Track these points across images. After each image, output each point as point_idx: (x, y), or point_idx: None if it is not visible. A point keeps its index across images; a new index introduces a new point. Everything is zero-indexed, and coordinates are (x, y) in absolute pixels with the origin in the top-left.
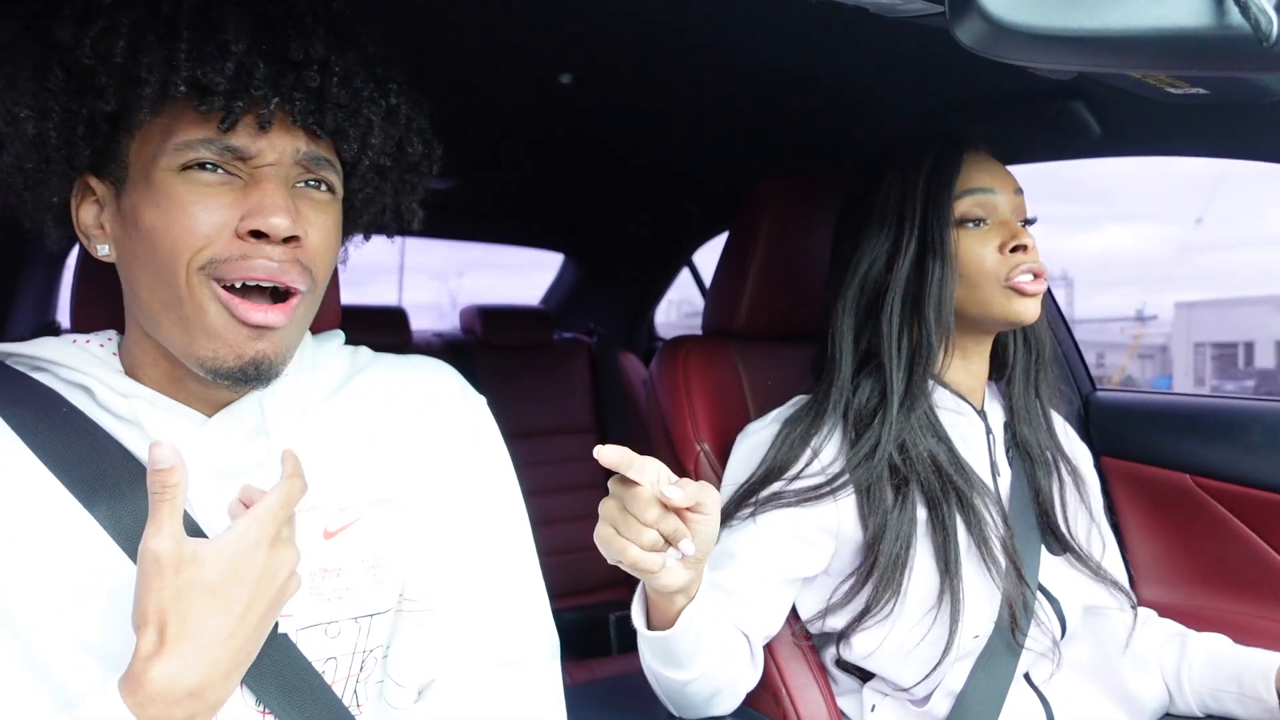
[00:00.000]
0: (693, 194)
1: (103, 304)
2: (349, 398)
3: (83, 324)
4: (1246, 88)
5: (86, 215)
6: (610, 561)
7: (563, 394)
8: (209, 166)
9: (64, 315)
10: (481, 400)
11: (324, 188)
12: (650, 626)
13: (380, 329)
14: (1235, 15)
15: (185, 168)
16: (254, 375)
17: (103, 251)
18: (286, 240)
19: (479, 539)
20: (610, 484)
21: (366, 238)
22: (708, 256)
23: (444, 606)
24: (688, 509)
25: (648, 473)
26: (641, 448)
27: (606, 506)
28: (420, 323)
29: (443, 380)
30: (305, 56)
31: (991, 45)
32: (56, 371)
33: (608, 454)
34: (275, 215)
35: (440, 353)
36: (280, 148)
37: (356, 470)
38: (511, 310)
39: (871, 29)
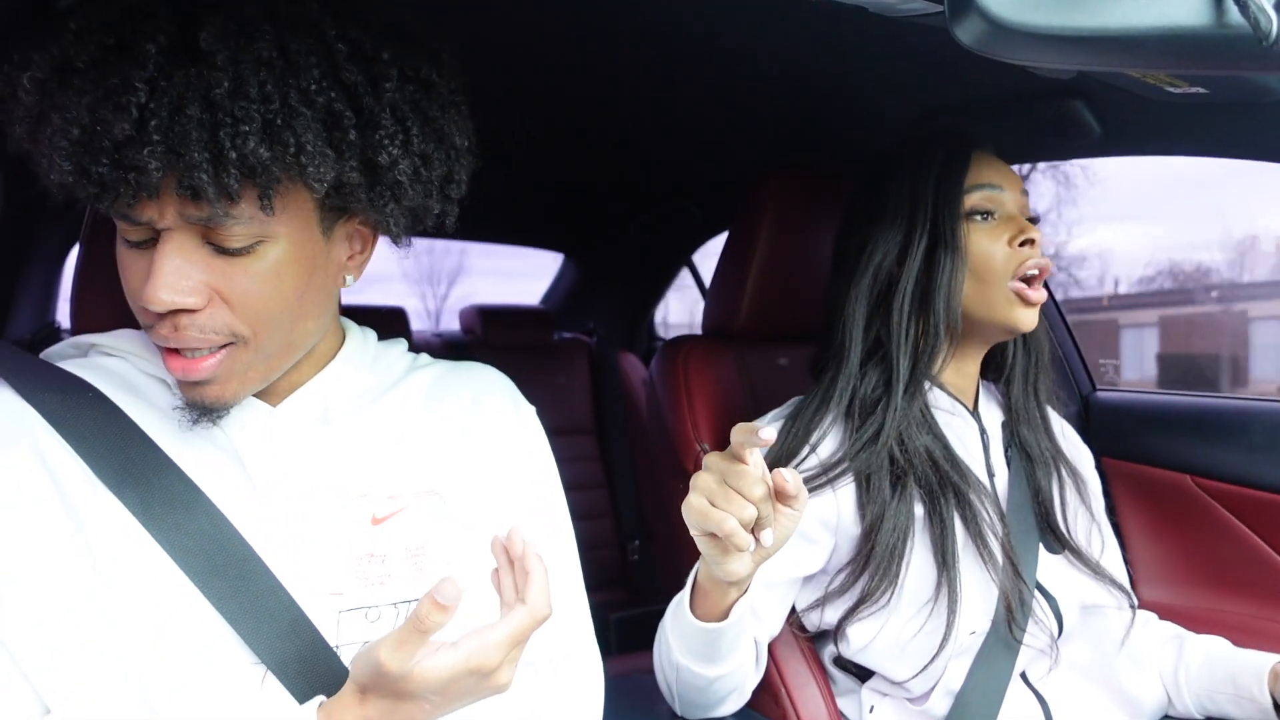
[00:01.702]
0: (693, 194)
1: (103, 304)
2: (405, 393)
3: (83, 324)
4: (1246, 87)
5: None
6: (696, 531)
7: (563, 394)
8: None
9: (64, 315)
10: (531, 410)
11: (237, 245)
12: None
13: (380, 329)
14: (1235, 14)
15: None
16: (203, 412)
17: None
18: (180, 312)
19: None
20: (711, 458)
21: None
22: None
23: (474, 592)
24: (781, 499)
25: (756, 455)
26: (641, 448)
27: (704, 479)
28: None
29: (495, 387)
30: (136, 120)
31: (991, 44)
32: (135, 363)
33: (766, 433)
34: (157, 290)
35: (440, 353)
36: (164, 211)
37: (406, 462)
38: (511, 310)
39: (871, 29)
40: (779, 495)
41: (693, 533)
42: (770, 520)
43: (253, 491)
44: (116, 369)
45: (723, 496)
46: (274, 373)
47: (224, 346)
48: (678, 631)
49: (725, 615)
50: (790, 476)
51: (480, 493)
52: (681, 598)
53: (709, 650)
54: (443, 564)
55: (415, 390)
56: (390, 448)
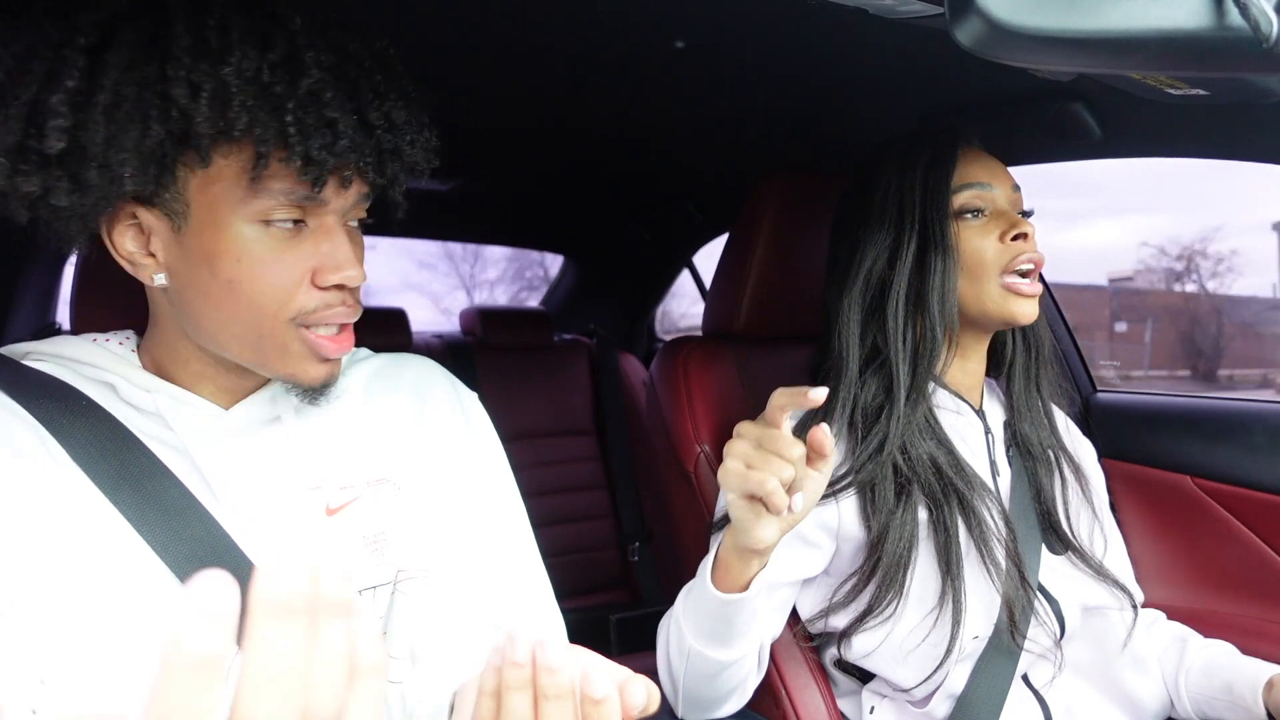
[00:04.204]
0: (693, 195)
1: (103, 305)
2: (347, 387)
3: (83, 325)
4: (1247, 89)
5: (129, 243)
6: (735, 494)
7: (563, 395)
8: (282, 218)
9: (64, 316)
10: (473, 396)
11: (361, 217)
12: None
13: (380, 330)
14: (1235, 16)
15: (263, 221)
16: (323, 390)
17: (159, 281)
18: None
19: (473, 516)
20: (744, 426)
21: None
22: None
23: (434, 573)
24: (811, 461)
25: (786, 422)
26: (641, 449)
27: (739, 445)
28: None
29: (432, 374)
30: (385, 122)
31: (991, 46)
32: (78, 369)
33: (816, 394)
34: (351, 268)
35: (441, 354)
36: (347, 196)
37: (356, 452)
38: (512, 312)
39: (871, 30)
40: (811, 454)
41: (729, 497)
42: (801, 485)
43: (210, 494)
44: (60, 377)
45: (760, 459)
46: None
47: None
48: (693, 612)
49: (745, 588)
50: (825, 432)
51: (432, 478)
52: (701, 576)
53: (724, 628)
54: (401, 550)
55: (356, 383)
56: (338, 440)
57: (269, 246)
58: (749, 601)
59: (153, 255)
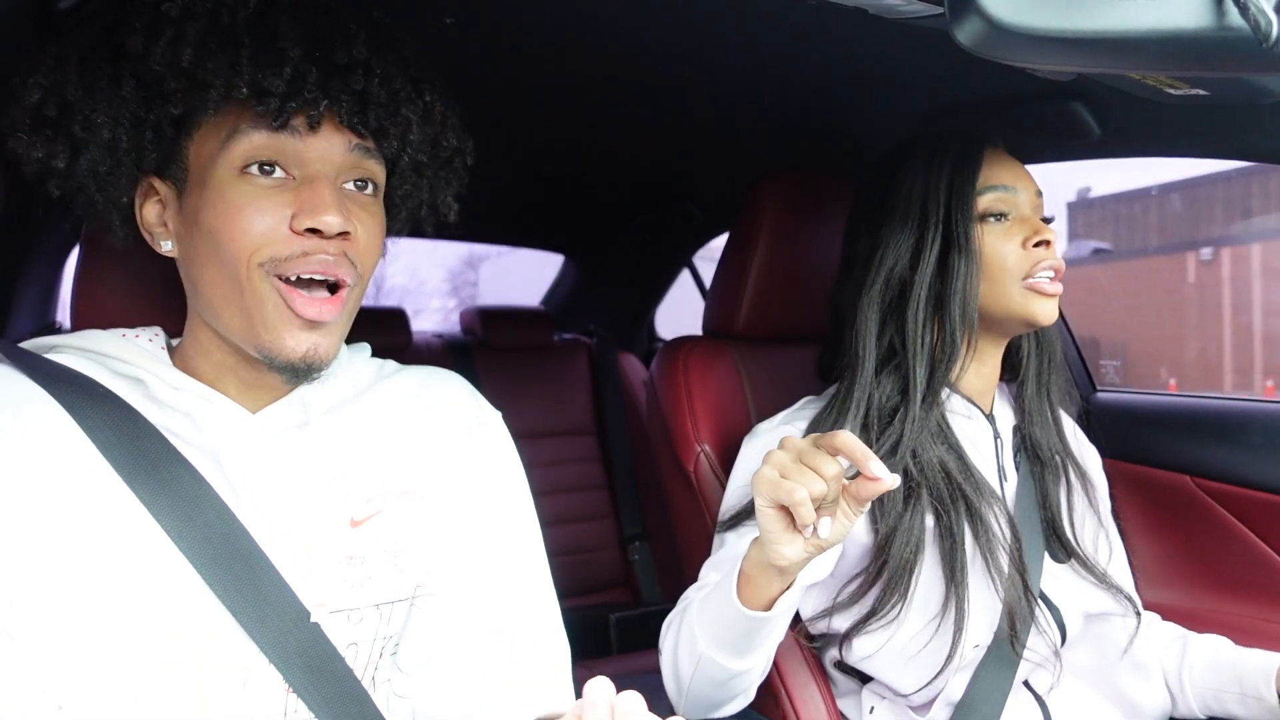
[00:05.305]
0: (693, 195)
1: (104, 303)
2: (376, 399)
3: (84, 324)
4: (1246, 88)
5: (150, 214)
6: (764, 501)
7: (563, 395)
8: (264, 168)
9: (64, 315)
10: (497, 414)
11: (369, 188)
12: None
13: (381, 330)
14: (1235, 16)
15: (243, 170)
16: (305, 369)
17: (166, 247)
18: (337, 235)
19: (491, 537)
20: (789, 439)
21: (403, 234)
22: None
23: (448, 590)
24: (850, 496)
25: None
26: (641, 448)
27: (778, 455)
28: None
29: (461, 392)
30: (350, 60)
31: (991, 46)
32: (106, 363)
33: (879, 470)
34: (327, 213)
35: (441, 353)
36: (328, 146)
37: (382, 465)
38: (512, 311)
39: (871, 30)
40: (853, 493)
41: (759, 505)
42: (833, 509)
43: (234, 496)
44: (86, 369)
45: (795, 470)
46: (340, 343)
47: (343, 288)
48: (711, 621)
49: (769, 606)
50: (878, 467)
51: (453, 494)
52: (726, 588)
53: (744, 641)
54: (421, 565)
55: (385, 396)
56: (365, 452)
57: (246, 194)
58: (772, 619)
59: (165, 225)
